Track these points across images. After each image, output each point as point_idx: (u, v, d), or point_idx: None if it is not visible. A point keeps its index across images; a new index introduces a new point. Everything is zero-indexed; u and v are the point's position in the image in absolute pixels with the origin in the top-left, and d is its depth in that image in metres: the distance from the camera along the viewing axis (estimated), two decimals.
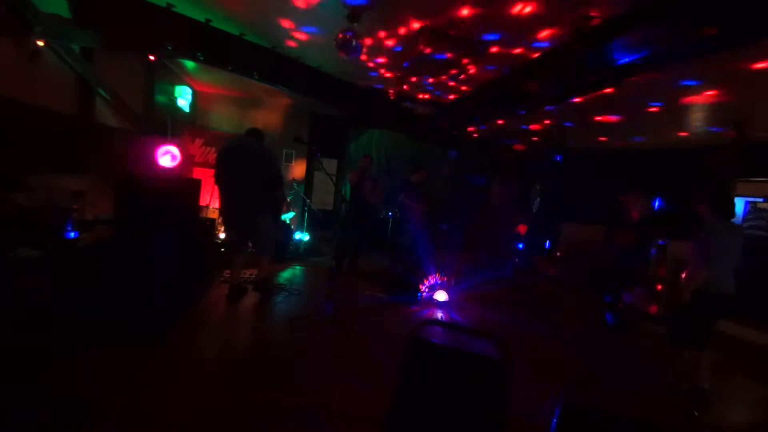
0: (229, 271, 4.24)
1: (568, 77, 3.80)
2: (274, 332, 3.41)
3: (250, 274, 4.61)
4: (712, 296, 2.92)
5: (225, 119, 7.19)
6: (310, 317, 3.62)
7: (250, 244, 4.29)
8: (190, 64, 5.45)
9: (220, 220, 5.74)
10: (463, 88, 5.24)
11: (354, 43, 3.44)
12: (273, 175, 3.96)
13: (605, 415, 1.17)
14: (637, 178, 7.24)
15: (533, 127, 6.64)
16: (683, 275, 3.17)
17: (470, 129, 7.20)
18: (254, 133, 4.11)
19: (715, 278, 2.91)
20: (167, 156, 3.62)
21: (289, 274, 5.37)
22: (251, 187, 3.81)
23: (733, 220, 3.17)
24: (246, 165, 3.80)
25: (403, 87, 5.38)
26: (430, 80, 5.13)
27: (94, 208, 4.12)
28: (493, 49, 3.86)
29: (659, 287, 5.19)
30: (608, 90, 4.00)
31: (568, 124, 6.12)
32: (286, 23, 3.90)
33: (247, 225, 3.93)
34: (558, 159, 7.94)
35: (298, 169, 7.72)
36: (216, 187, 3.97)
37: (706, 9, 2.47)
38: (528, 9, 3.07)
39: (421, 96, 5.89)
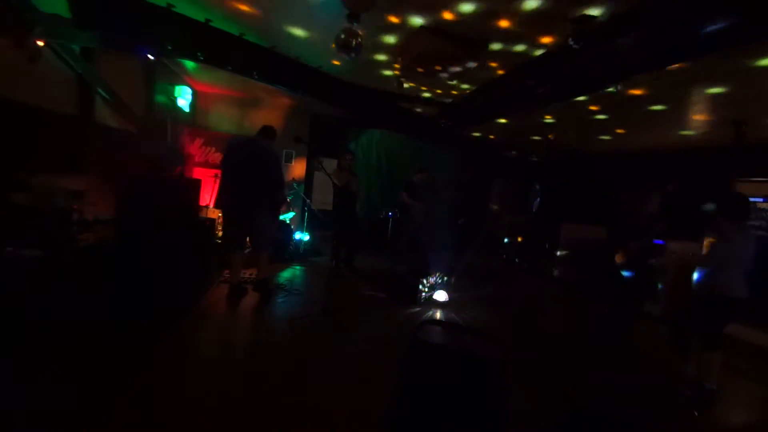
0: (228, 271, 4.24)
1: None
2: (274, 332, 3.41)
3: (250, 274, 4.61)
4: (725, 300, 2.89)
5: (225, 119, 7.20)
6: (310, 317, 3.62)
7: (248, 242, 4.30)
8: (190, 64, 5.45)
9: (219, 219, 5.74)
10: (465, 85, 5.23)
11: (354, 43, 3.44)
12: (274, 176, 3.96)
13: (605, 416, 1.17)
14: (638, 179, 7.28)
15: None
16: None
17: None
18: (267, 131, 4.13)
19: (728, 282, 2.86)
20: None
21: (289, 274, 5.36)
22: (253, 185, 3.82)
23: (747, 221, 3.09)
24: (249, 163, 3.82)
25: (403, 86, 5.37)
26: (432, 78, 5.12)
27: (94, 208, 4.12)
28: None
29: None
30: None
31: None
32: None
33: (247, 222, 3.94)
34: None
35: (298, 169, 7.72)
36: (217, 184, 3.98)
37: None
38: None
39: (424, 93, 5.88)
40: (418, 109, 6.58)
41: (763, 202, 5.61)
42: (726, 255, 2.87)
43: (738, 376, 3.66)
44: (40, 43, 3.42)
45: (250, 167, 3.82)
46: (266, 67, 4.68)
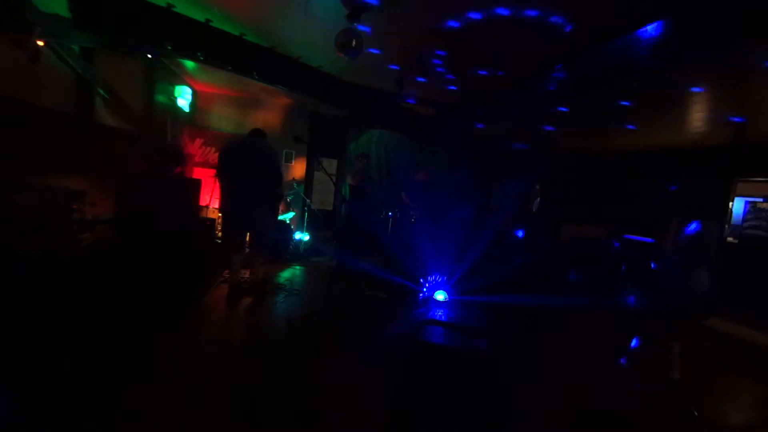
0: (228, 271, 4.24)
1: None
2: (273, 332, 3.41)
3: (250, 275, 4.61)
4: (693, 300, 2.92)
5: (225, 119, 7.19)
6: (309, 317, 3.62)
7: (247, 242, 4.30)
8: (190, 64, 5.45)
9: (219, 219, 5.74)
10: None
11: (354, 43, 3.44)
12: (273, 171, 3.97)
13: (606, 414, 1.18)
14: (637, 179, 7.26)
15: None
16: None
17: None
18: (257, 133, 4.15)
19: (693, 280, 2.90)
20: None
21: (289, 274, 5.36)
22: (252, 185, 3.83)
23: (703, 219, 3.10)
24: (248, 162, 3.82)
25: (403, 86, 5.37)
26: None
27: (94, 208, 4.12)
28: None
29: None
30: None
31: None
32: None
33: (247, 223, 3.94)
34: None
35: (298, 169, 7.72)
36: (217, 186, 3.98)
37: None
38: None
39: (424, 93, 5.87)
40: (418, 109, 6.58)
41: (763, 202, 5.61)
42: (691, 251, 2.90)
43: (738, 376, 3.66)
44: (40, 43, 3.42)
45: (247, 165, 3.83)
46: (266, 67, 4.69)
